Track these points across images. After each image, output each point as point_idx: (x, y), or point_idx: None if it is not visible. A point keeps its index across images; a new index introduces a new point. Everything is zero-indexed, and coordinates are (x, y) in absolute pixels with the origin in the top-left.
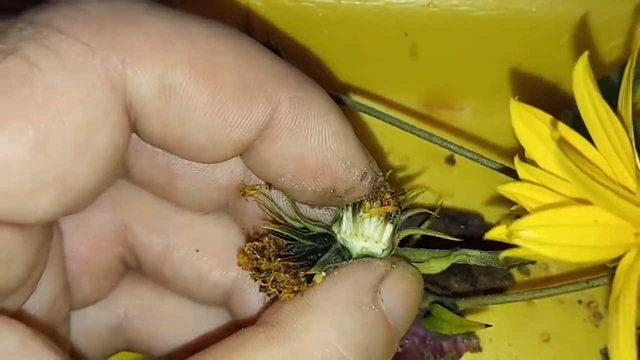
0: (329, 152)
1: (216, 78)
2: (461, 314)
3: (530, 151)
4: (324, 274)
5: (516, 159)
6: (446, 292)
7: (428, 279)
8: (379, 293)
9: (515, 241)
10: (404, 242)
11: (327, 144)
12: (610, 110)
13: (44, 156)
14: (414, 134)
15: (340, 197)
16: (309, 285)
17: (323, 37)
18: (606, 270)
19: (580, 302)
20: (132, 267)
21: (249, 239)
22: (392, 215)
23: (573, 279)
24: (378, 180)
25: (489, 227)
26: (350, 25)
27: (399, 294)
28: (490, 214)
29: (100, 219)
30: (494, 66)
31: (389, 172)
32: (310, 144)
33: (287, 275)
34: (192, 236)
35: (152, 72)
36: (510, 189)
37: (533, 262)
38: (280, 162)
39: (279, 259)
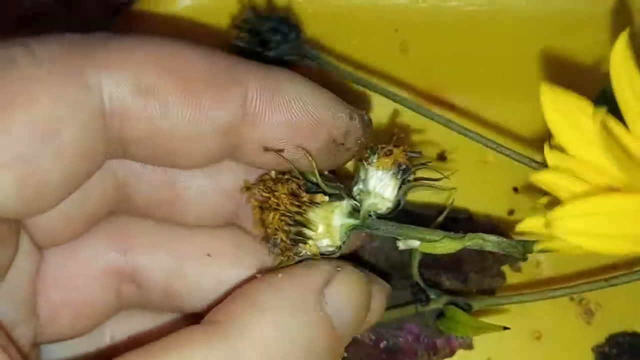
0: (311, 106)
1: (184, 72)
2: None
3: (562, 138)
4: (326, 198)
5: (546, 147)
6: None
7: (420, 276)
8: (324, 296)
9: (555, 232)
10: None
11: (308, 102)
12: None
13: (8, 134)
14: (428, 117)
15: (343, 144)
16: (311, 205)
17: (312, 33)
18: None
19: (572, 299)
20: (129, 302)
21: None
22: (402, 172)
23: (565, 276)
24: (366, 119)
25: (477, 223)
26: (340, 21)
27: (345, 297)
28: (479, 211)
29: (90, 247)
30: (485, 61)
31: (400, 134)
32: (293, 107)
33: (291, 199)
34: (200, 244)
35: (126, 75)
36: (544, 178)
37: (525, 260)
38: (274, 136)
39: (289, 182)
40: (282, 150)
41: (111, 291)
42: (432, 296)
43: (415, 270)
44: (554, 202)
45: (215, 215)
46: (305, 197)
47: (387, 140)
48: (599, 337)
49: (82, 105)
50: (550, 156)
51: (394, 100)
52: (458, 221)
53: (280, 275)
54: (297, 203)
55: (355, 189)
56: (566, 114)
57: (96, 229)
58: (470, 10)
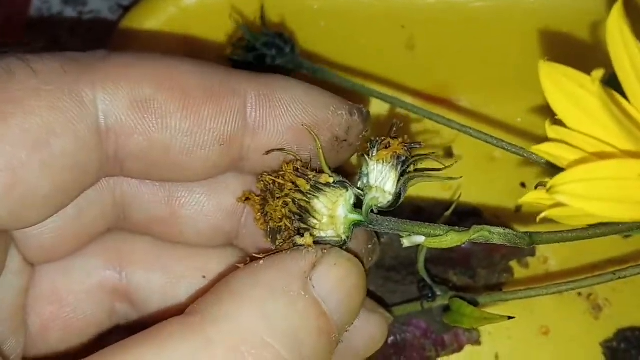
0: (310, 107)
1: (182, 85)
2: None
3: (560, 112)
4: (331, 179)
5: (547, 122)
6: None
7: (428, 272)
8: (310, 280)
9: (557, 197)
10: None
11: (307, 103)
12: None
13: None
14: (426, 117)
15: (345, 140)
16: (313, 189)
17: (319, 30)
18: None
19: (580, 294)
20: (122, 318)
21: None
22: (401, 164)
23: (572, 273)
24: (365, 112)
25: (485, 220)
26: (346, 17)
27: (334, 280)
28: (487, 208)
29: (86, 264)
30: (492, 57)
31: (400, 124)
32: (293, 111)
33: (297, 175)
34: (196, 267)
35: (122, 90)
36: (545, 149)
37: (533, 255)
38: (277, 142)
39: (294, 172)
40: (283, 149)
41: (104, 308)
42: (438, 292)
43: (421, 265)
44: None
45: (214, 234)
46: (310, 174)
47: (387, 131)
48: (607, 332)
49: (75, 119)
50: (551, 130)
51: (395, 105)
52: (467, 218)
53: (261, 262)
54: (301, 186)
55: (359, 184)
56: (564, 88)
57: (93, 245)
58: (477, 6)
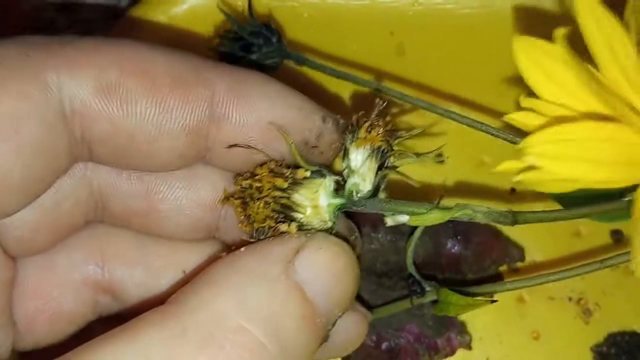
0: (280, 107)
1: (149, 71)
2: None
3: (534, 85)
4: (308, 173)
5: (522, 96)
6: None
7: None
8: (293, 264)
9: (528, 159)
10: None
11: (277, 102)
12: (617, 27)
13: None
14: (417, 105)
15: (316, 147)
16: (292, 185)
17: (308, 38)
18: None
19: (570, 299)
20: (106, 311)
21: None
22: (380, 155)
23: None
24: (341, 123)
25: (476, 224)
26: (335, 25)
27: (319, 264)
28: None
29: (68, 259)
30: (480, 63)
31: (385, 103)
32: (261, 108)
33: (273, 177)
34: (177, 261)
35: (87, 75)
36: (517, 118)
37: (522, 260)
38: (242, 137)
39: (272, 169)
40: (249, 147)
41: (88, 302)
42: (427, 288)
43: (409, 261)
44: None
45: (193, 227)
46: (287, 172)
47: (370, 111)
48: (598, 337)
49: (41, 104)
50: (524, 101)
51: (383, 92)
52: (458, 221)
53: (242, 249)
54: (279, 185)
55: (344, 163)
56: (537, 60)
57: (74, 240)
58: (465, 13)
